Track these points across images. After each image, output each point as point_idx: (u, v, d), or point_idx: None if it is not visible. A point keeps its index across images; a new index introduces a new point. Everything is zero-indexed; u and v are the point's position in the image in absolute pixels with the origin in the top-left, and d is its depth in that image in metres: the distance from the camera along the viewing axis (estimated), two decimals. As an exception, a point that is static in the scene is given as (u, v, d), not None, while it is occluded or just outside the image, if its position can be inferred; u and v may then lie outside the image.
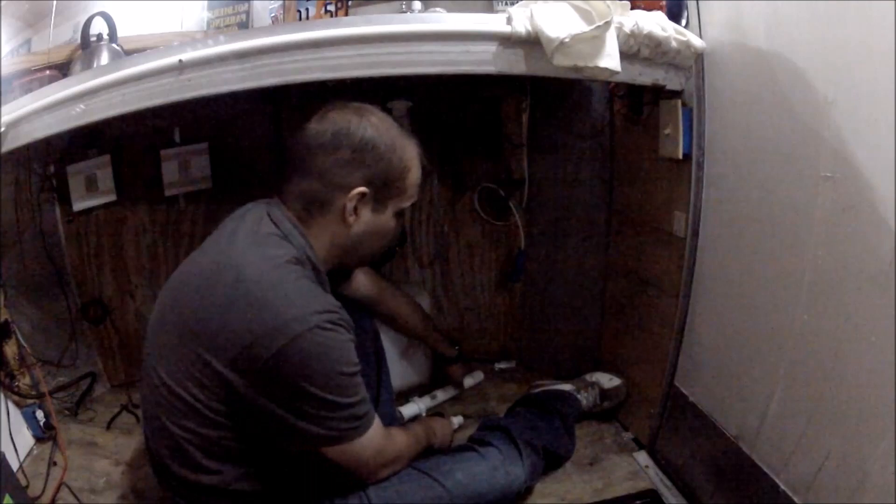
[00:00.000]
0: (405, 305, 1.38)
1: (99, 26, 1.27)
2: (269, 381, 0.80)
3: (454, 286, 1.73)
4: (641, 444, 1.33)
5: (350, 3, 1.32)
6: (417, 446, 1.05)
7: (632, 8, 1.04)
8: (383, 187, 0.91)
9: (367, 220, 0.92)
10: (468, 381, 1.50)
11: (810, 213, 0.88)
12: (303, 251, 0.88)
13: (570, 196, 1.53)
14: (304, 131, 0.90)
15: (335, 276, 1.01)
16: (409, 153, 0.94)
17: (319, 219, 0.91)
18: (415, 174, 0.95)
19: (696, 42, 1.07)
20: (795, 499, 0.92)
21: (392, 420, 1.24)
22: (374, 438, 0.90)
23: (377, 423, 0.91)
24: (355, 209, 0.90)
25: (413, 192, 0.96)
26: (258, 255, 0.85)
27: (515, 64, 0.99)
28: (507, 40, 0.97)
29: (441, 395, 1.50)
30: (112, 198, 1.46)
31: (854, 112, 0.80)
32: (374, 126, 0.90)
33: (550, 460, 1.21)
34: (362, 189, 0.89)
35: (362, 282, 1.28)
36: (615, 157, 1.46)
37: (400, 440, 0.98)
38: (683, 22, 1.12)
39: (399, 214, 0.97)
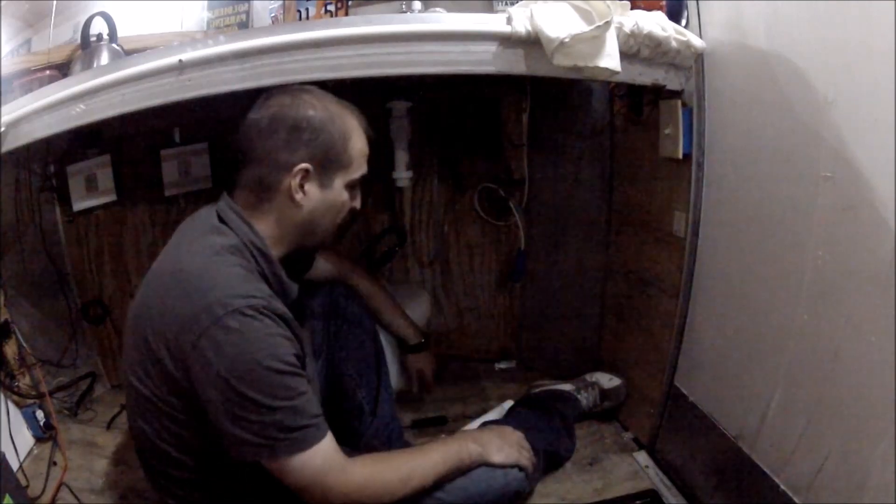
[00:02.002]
0: (367, 284, 1.33)
1: (99, 26, 1.27)
2: (196, 370, 0.78)
3: (454, 286, 1.73)
4: (641, 444, 1.33)
5: (350, 3, 1.32)
6: (408, 483, 0.90)
7: (632, 8, 1.04)
8: (326, 161, 0.90)
9: (317, 197, 0.90)
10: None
11: (810, 213, 0.88)
12: (247, 239, 0.87)
13: (570, 196, 1.53)
14: (245, 122, 0.90)
15: (299, 265, 1.00)
16: (348, 123, 0.91)
17: (268, 204, 0.90)
18: (357, 143, 0.92)
19: (696, 42, 1.07)
20: (795, 499, 0.92)
21: (392, 420, 1.24)
22: (313, 463, 0.81)
23: (326, 445, 0.83)
24: (301, 187, 0.89)
25: (360, 162, 0.94)
26: (198, 244, 0.86)
27: (515, 64, 0.99)
28: (507, 40, 0.97)
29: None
30: (112, 198, 1.46)
31: (854, 112, 0.80)
32: (308, 103, 0.89)
33: (551, 460, 1.21)
34: (305, 165, 0.88)
35: (323, 266, 1.25)
36: (615, 157, 1.46)
37: (359, 477, 0.86)
38: (683, 22, 1.12)
39: (352, 187, 0.95)
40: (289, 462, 0.81)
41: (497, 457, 1.02)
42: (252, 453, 0.80)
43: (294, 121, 0.88)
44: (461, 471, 0.98)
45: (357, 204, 0.97)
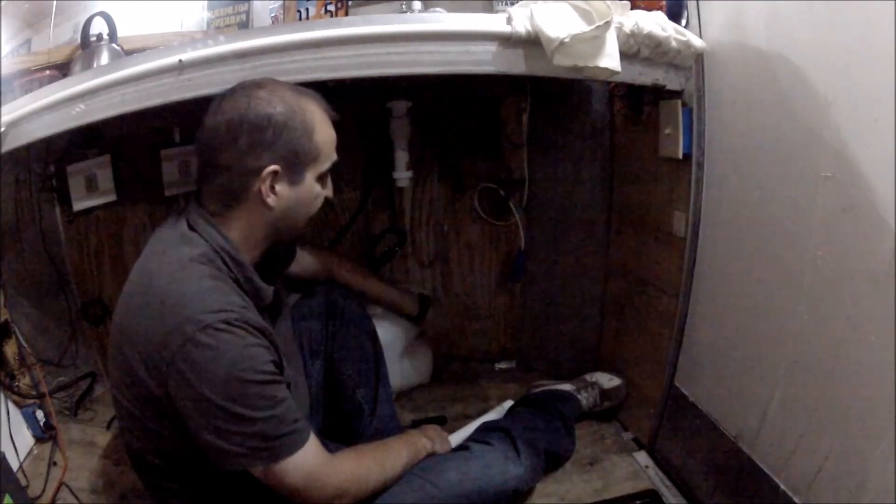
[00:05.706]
0: (353, 272, 1.35)
1: (99, 26, 1.27)
2: (175, 387, 0.78)
3: (454, 286, 1.73)
4: (641, 444, 1.33)
5: (350, 3, 1.31)
6: (385, 468, 0.95)
7: (632, 8, 1.04)
8: (294, 158, 0.87)
9: (288, 195, 0.88)
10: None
11: (810, 213, 0.88)
12: (217, 246, 0.85)
13: (570, 196, 1.53)
14: (202, 131, 0.87)
15: (277, 260, 1.00)
16: (310, 114, 0.88)
17: (238, 210, 0.88)
18: (323, 133, 0.89)
19: (696, 42, 1.07)
20: (795, 499, 0.92)
21: (391, 420, 1.24)
22: (304, 464, 0.83)
23: (311, 446, 0.85)
24: (273, 189, 0.87)
25: (328, 152, 0.90)
26: (168, 256, 0.84)
27: (515, 64, 0.99)
28: (507, 40, 0.97)
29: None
30: (112, 198, 1.46)
31: (854, 112, 0.80)
32: (265, 100, 0.85)
33: (550, 460, 1.21)
34: (273, 168, 0.85)
35: (308, 260, 1.26)
36: (615, 157, 1.46)
37: (347, 467, 0.89)
38: (683, 22, 1.12)
39: (322, 177, 0.92)
40: (278, 469, 0.81)
41: (441, 450, 1.09)
42: (238, 464, 0.80)
43: (254, 123, 0.84)
44: (415, 463, 1.02)
45: (329, 192, 0.95)
